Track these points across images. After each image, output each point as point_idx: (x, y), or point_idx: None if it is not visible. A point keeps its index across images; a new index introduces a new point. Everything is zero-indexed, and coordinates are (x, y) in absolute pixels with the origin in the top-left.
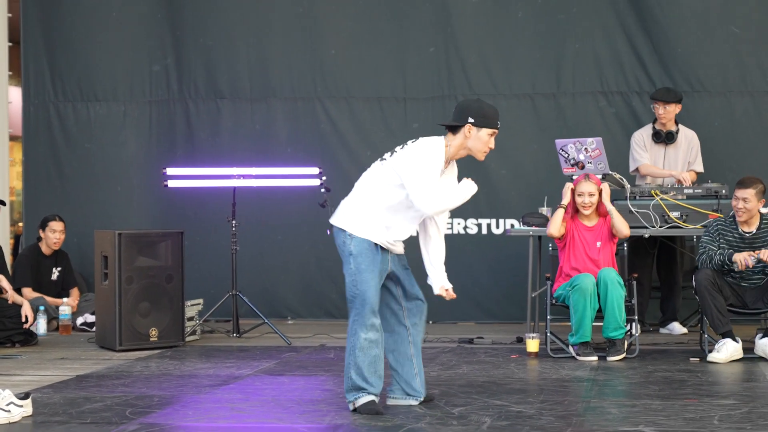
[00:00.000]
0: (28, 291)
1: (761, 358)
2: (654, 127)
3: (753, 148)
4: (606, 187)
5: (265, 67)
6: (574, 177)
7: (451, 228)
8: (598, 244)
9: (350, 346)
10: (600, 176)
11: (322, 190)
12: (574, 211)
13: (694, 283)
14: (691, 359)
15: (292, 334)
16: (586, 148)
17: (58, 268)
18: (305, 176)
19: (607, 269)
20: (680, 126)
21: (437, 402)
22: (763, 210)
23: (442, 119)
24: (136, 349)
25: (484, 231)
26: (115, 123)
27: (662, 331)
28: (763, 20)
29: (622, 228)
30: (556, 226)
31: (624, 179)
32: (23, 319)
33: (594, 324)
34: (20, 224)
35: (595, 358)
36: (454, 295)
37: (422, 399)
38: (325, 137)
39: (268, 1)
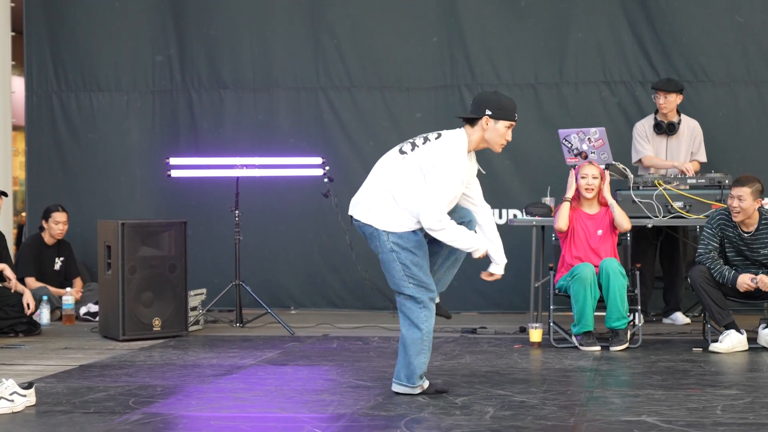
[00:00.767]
0: (31, 281)
1: (764, 349)
2: (655, 118)
3: (757, 138)
4: (606, 176)
5: (267, 57)
6: (577, 167)
7: None
8: (599, 232)
9: (417, 336)
10: (603, 166)
11: (326, 180)
12: (575, 198)
13: (689, 280)
14: (693, 349)
15: (295, 324)
16: (589, 138)
17: (61, 258)
18: (308, 166)
19: (609, 259)
20: (683, 116)
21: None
22: (766, 201)
23: (445, 109)
24: (139, 338)
25: None
26: (118, 113)
27: (665, 321)
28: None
29: (623, 222)
30: (564, 220)
31: (627, 169)
32: (25, 308)
33: (597, 314)
34: (23, 214)
35: (598, 348)
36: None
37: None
38: (327, 127)
39: None
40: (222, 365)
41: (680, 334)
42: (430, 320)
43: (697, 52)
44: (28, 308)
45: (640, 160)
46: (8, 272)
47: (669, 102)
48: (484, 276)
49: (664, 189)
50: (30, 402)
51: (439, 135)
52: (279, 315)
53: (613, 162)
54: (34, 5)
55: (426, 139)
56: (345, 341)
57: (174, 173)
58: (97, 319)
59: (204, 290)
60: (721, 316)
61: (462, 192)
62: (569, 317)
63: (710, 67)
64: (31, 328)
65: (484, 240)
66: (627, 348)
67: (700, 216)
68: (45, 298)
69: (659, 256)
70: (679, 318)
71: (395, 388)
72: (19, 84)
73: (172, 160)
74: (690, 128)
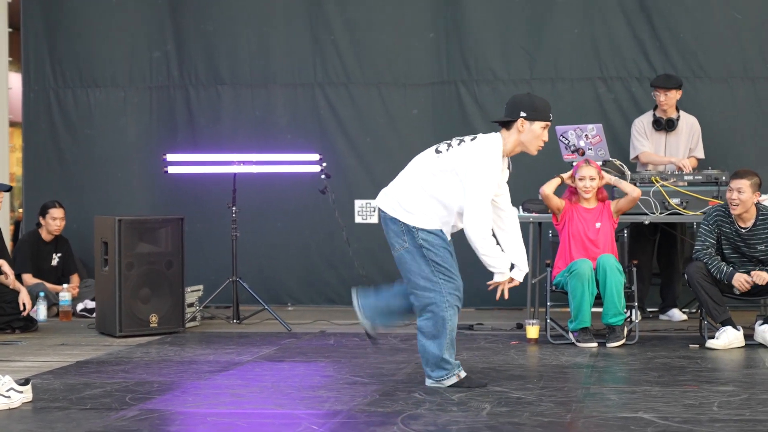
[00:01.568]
0: (28, 277)
1: (761, 345)
2: (654, 115)
3: (754, 134)
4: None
5: (265, 54)
6: (574, 163)
7: None
8: (597, 224)
9: (440, 328)
10: (600, 163)
11: (323, 176)
12: (573, 194)
13: (686, 276)
14: (690, 346)
15: (292, 320)
16: (586, 135)
17: (58, 254)
18: (306, 162)
19: (607, 255)
20: (681, 112)
21: (436, 388)
22: (763, 197)
23: (441, 105)
24: (136, 335)
25: None
26: (116, 109)
27: (662, 317)
28: (765, 6)
29: (632, 189)
30: (550, 186)
31: (624, 166)
32: (21, 308)
33: (594, 310)
34: (20, 210)
35: (595, 344)
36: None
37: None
38: (324, 123)
39: None
40: (219, 361)
41: (677, 331)
42: (454, 319)
43: (694, 48)
44: (24, 308)
45: (637, 157)
46: (6, 268)
47: (669, 98)
48: (502, 285)
49: (661, 186)
50: (27, 398)
51: (475, 137)
52: (276, 311)
53: (610, 159)
54: (31, 1)
55: (461, 141)
56: (342, 338)
57: (171, 169)
58: (94, 315)
59: (201, 287)
60: (717, 313)
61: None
62: (566, 314)
63: (707, 63)
64: (28, 324)
65: (507, 270)
66: (624, 344)
67: (697, 212)
68: (42, 294)
69: (656, 253)
70: (676, 314)
71: (427, 382)
72: (16, 80)
73: (169, 157)
74: (689, 125)
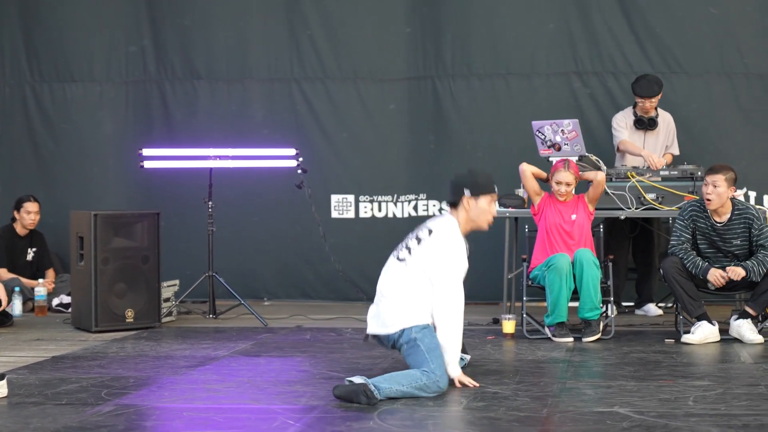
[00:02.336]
0: (3, 272)
1: (736, 340)
2: (635, 113)
3: (730, 130)
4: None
5: (241, 48)
6: (551, 159)
7: (427, 209)
8: (573, 216)
9: (414, 384)
10: (576, 158)
11: (299, 171)
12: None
13: (661, 271)
14: (666, 340)
15: (268, 315)
16: (562, 130)
17: (33, 249)
18: (282, 157)
19: (583, 250)
20: (659, 109)
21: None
22: (738, 193)
23: (418, 100)
24: (112, 330)
25: None
26: (92, 103)
27: (638, 312)
28: (741, 1)
29: (594, 174)
30: (533, 169)
31: (600, 161)
32: None
33: (570, 305)
34: None
35: (571, 339)
36: (472, 384)
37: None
38: (301, 118)
39: None
40: (195, 356)
41: (652, 326)
42: (425, 394)
43: (671, 43)
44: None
45: (618, 148)
46: None
47: (654, 103)
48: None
49: (637, 181)
50: (2, 394)
51: (431, 231)
52: (252, 306)
53: (587, 154)
54: None
55: (419, 240)
56: (318, 332)
57: (147, 164)
58: (70, 310)
59: (177, 281)
60: (693, 308)
61: None
62: (542, 308)
63: (684, 58)
64: (3, 319)
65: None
66: (600, 339)
67: (673, 207)
68: (17, 289)
69: (632, 248)
70: (652, 309)
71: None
72: None
73: (146, 151)
74: (665, 122)
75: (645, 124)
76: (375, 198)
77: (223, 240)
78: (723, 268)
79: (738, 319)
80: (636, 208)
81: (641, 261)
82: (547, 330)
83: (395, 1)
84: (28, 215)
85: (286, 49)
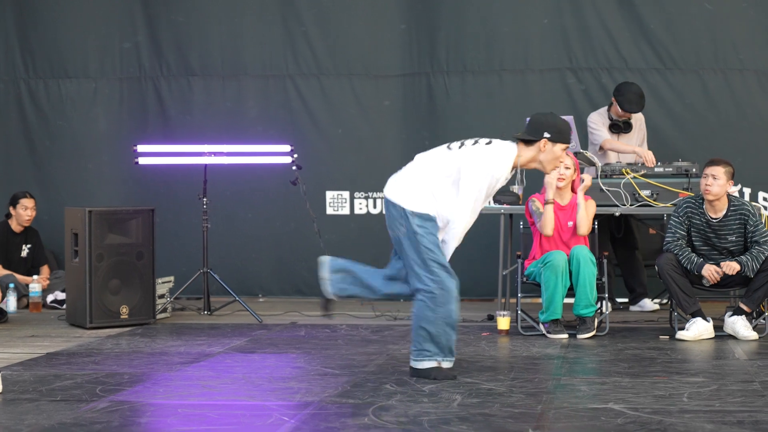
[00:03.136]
0: None
1: (730, 336)
2: (611, 117)
3: (725, 126)
4: (588, 180)
5: (236, 45)
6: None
7: None
8: (570, 224)
9: (442, 315)
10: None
11: (294, 167)
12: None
13: (656, 268)
14: (660, 337)
15: (263, 311)
16: None
17: (28, 245)
18: (277, 154)
19: (580, 247)
20: None
21: (407, 379)
22: (733, 189)
23: (412, 96)
24: (106, 326)
25: None
26: (86, 100)
27: (633, 308)
28: None
29: (582, 225)
30: (550, 225)
31: (594, 157)
32: None
33: (564, 302)
34: None
35: (566, 335)
36: None
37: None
38: (296, 115)
39: None
40: (190, 353)
41: (647, 322)
42: (448, 306)
43: (665, 39)
44: None
45: (600, 147)
46: None
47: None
48: None
49: (632, 178)
50: None
51: (490, 141)
52: (247, 303)
53: (581, 150)
54: None
55: (476, 141)
56: (313, 329)
57: (142, 160)
58: (64, 306)
59: (172, 278)
60: (687, 304)
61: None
62: (537, 305)
63: (678, 54)
64: None
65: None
66: (594, 336)
67: (668, 204)
68: (12, 285)
69: (613, 246)
70: (648, 304)
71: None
72: None
73: (140, 148)
74: (639, 122)
75: (621, 128)
76: (370, 194)
77: (218, 236)
78: (717, 264)
79: (732, 315)
80: (631, 205)
81: (627, 258)
82: (541, 326)
83: None
84: (25, 211)
85: (281, 46)
